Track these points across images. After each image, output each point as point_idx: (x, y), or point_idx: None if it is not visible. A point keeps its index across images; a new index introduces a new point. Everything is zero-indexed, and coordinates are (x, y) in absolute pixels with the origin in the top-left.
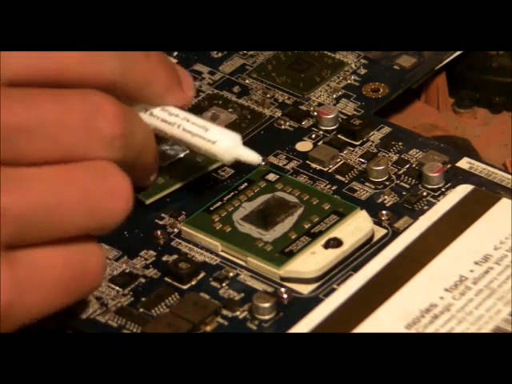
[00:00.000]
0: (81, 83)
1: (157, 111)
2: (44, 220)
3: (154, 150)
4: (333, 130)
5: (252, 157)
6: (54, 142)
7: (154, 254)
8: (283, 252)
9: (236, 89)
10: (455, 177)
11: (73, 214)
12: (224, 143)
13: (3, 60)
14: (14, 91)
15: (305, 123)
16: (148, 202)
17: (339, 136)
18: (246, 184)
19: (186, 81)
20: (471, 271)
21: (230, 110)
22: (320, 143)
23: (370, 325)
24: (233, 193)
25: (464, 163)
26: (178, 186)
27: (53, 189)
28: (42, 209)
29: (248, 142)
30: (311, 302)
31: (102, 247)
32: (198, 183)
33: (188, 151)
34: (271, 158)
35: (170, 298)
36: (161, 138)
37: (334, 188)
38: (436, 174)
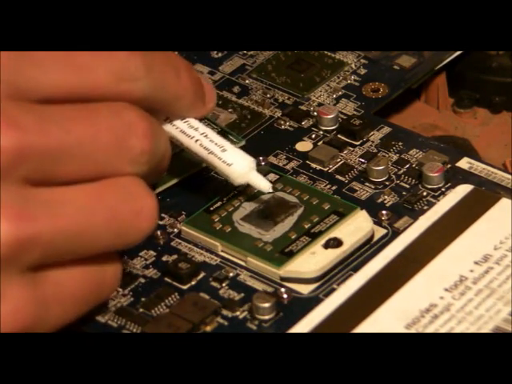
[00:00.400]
0: (112, 99)
1: (177, 121)
2: (72, 243)
3: (170, 156)
4: (333, 130)
5: (263, 185)
6: (87, 162)
7: (154, 254)
8: (283, 252)
9: (236, 89)
10: (455, 177)
11: (100, 236)
12: (239, 167)
13: (39, 77)
14: (50, 111)
15: (305, 123)
16: (155, 192)
17: (339, 136)
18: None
19: (210, 94)
20: (471, 271)
21: (229, 110)
22: (320, 143)
23: (369, 325)
24: (233, 193)
25: (464, 163)
26: (177, 179)
27: (84, 214)
28: (71, 233)
29: (248, 142)
30: (311, 302)
31: (118, 254)
32: (198, 183)
33: None
34: (271, 158)
35: (169, 298)
36: None
37: (334, 188)
38: (436, 174)
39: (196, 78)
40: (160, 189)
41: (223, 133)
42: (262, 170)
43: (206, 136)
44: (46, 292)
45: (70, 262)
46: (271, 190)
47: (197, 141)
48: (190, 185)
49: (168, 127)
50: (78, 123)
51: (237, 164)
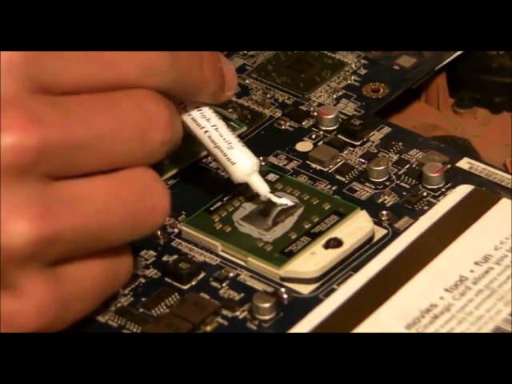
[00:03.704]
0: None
1: (191, 108)
2: (91, 239)
3: (181, 138)
4: (333, 131)
5: (261, 189)
6: (108, 155)
7: (154, 254)
8: (283, 252)
9: (236, 89)
10: (455, 177)
11: (117, 231)
12: (242, 168)
13: (62, 71)
14: (72, 104)
15: (305, 123)
16: None
17: (339, 136)
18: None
19: (230, 82)
20: (471, 271)
21: (229, 110)
22: (320, 143)
23: (370, 325)
24: (233, 193)
25: (464, 163)
26: (183, 166)
27: (102, 211)
28: (91, 230)
29: (248, 142)
30: (311, 302)
31: (129, 248)
32: (198, 183)
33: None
34: (271, 158)
35: (170, 298)
36: None
37: (334, 188)
38: (436, 175)
39: (218, 68)
40: (165, 177)
41: (222, 118)
42: (262, 171)
43: (216, 129)
44: (66, 289)
45: (88, 258)
46: (269, 196)
47: (206, 132)
48: (190, 185)
49: (181, 113)
50: (99, 116)
51: (240, 164)
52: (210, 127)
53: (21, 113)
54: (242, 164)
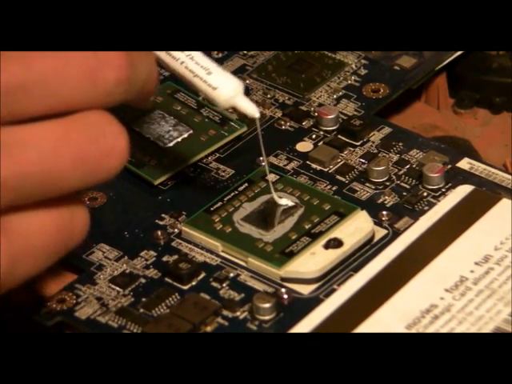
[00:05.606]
0: None
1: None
2: (38, 186)
3: (156, 79)
4: (333, 131)
5: (250, 110)
6: (54, 97)
7: (155, 254)
8: (283, 252)
9: None
10: (455, 177)
11: (68, 177)
12: (225, 92)
13: None
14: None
15: (305, 123)
16: (156, 182)
17: (339, 136)
18: (246, 184)
19: None
20: (471, 272)
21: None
22: (320, 144)
23: (370, 325)
24: (233, 193)
25: (464, 164)
26: (183, 165)
27: (49, 156)
28: (36, 177)
29: (248, 142)
30: (311, 303)
31: (85, 203)
32: (198, 183)
33: (192, 131)
34: (271, 159)
35: (170, 299)
36: (165, 119)
37: (334, 188)
38: (436, 175)
39: None
40: (158, 181)
41: (222, 118)
42: (261, 171)
43: (191, 58)
44: (16, 244)
45: (38, 212)
46: (258, 115)
47: (182, 63)
48: (190, 185)
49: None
50: (40, 58)
51: (222, 88)
52: (185, 57)
53: None
54: (224, 88)
